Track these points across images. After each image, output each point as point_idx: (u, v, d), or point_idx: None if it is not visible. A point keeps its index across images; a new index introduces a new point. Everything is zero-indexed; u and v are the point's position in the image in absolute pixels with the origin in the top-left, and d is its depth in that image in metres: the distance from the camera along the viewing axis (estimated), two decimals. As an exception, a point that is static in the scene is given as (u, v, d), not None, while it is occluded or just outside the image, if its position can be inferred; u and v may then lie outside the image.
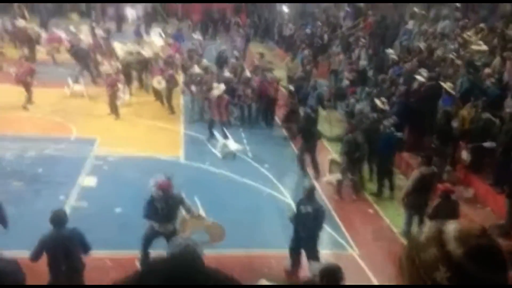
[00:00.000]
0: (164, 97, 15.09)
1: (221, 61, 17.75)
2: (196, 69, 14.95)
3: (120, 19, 27.70)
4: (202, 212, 8.03)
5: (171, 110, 14.88)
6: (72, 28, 20.02)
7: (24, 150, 11.12)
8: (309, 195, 7.41)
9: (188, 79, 15.01)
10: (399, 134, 10.58)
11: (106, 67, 15.07)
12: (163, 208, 7.08)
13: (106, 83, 14.16)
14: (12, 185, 9.44)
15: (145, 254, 7.28)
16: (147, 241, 7.27)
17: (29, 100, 14.04)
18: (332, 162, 11.04)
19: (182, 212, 7.51)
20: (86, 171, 10.52)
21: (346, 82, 15.20)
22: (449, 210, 7.39)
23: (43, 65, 18.66)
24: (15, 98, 14.37)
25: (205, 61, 16.30)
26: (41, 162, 10.61)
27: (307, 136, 11.25)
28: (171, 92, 14.98)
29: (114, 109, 13.83)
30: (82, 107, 14.56)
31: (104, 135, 12.43)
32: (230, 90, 13.59)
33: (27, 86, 14.04)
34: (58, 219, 5.98)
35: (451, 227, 1.17)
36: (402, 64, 14.24)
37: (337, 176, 10.46)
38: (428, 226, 1.20)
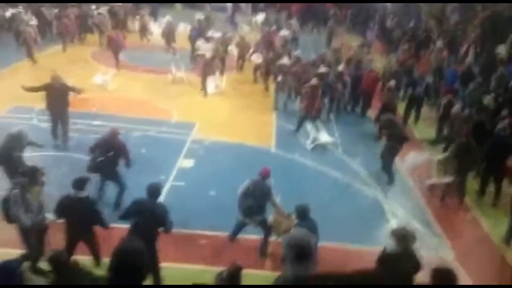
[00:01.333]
0: (261, 73, 16.43)
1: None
2: (285, 60, 15.27)
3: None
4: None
5: (266, 85, 15.91)
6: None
7: (130, 130, 11.97)
8: None
9: (277, 69, 15.27)
10: None
11: (202, 50, 16.42)
12: (256, 196, 7.35)
13: (201, 63, 15.65)
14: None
15: (233, 237, 7.79)
16: (237, 228, 7.74)
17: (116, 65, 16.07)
18: (440, 163, 10.21)
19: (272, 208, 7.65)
20: (185, 153, 11.11)
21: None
22: None
23: (148, 51, 19.98)
24: (121, 81, 15.53)
25: (298, 52, 16.49)
26: (144, 143, 11.37)
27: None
28: (268, 66, 16.02)
29: (204, 87, 15.20)
30: (183, 93, 15.34)
31: (202, 120, 13.02)
32: (324, 85, 13.54)
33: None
34: (153, 190, 6.42)
35: None
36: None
37: (445, 178, 9.97)
38: None
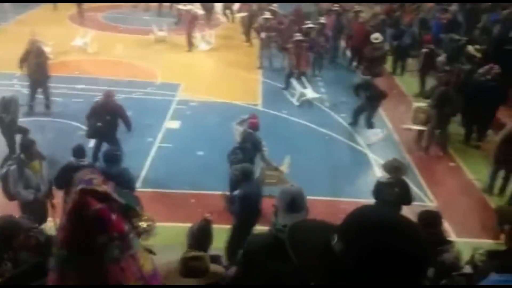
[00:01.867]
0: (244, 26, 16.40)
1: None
2: (266, 14, 15.05)
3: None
4: (284, 168, 8.03)
5: (248, 38, 15.93)
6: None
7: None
8: None
9: (258, 25, 15.11)
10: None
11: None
12: (246, 149, 7.33)
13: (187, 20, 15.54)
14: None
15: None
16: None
17: None
18: (418, 110, 10.36)
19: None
20: (171, 114, 11.06)
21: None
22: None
23: (129, 12, 19.47)
24: (102, 43, 15.20)
25: (274, 5, 16.32)
26: (129, 105, 11.17)
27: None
28: (251, 19, 16.11)
29: (189, 42, 15.17)
30: (166, 53, 15.10)
31: (187, 81, 12.89)
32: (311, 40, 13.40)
33: None
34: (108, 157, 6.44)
35: None
36: (500, 10, 13.13)
37: (420, 127, 10.12)
38: None
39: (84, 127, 9.12)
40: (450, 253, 3.87)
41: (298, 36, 12.72)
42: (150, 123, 10.44)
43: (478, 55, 10.79)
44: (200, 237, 3.63)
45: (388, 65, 14.41)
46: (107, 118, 8.26)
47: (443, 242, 4.11)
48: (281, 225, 2.77)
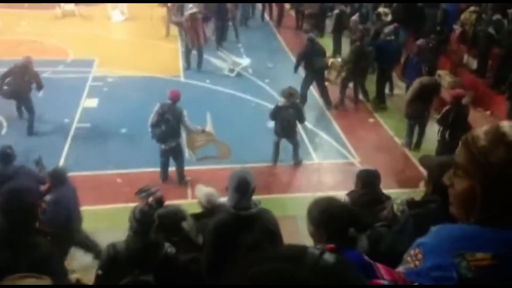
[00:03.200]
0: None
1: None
2: None
3: None
4: (209, 128, 7.98)
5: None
6: None
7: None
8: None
9: None
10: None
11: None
12: (169, 120, 7.13)
13: None
14: (14, 112, 9.44)
15: (163, 169, 7.62)
16: (162, 161, 7.57)
17: None
18: (332, 64, 10.95)
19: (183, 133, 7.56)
20: (87, 92, 10.49)
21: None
22: (460, 114, 7.38)
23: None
24: (4, 21, 13.99)
25: None
26: (40, 86, 10.53)
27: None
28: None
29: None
30: (76, 28, 14.19)
31: (102, 55, 12.23)
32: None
33: None
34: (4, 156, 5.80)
35: (508, 127, 1.19)
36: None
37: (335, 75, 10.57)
38: (484, 130, 1.21)
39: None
40: (386, 209, 4.02)
41: (190, 9, 12.13)
42: (65, 103, 9.85)
43: (386, 17, 11.18)
44: (143, 220, 3.48)
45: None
46: (25, 79, 8.84)
47: (383, 201, 4.23)
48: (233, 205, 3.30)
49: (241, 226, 3.33)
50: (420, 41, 9.60)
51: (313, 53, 10.01)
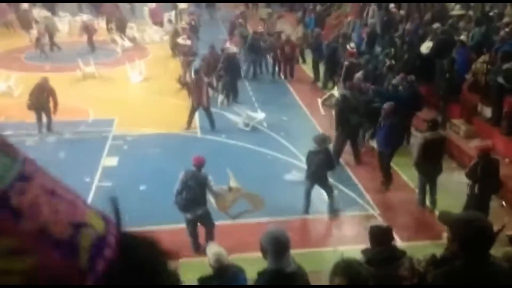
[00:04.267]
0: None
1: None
2: (181, 40, 15.73)
3: None
4: (234, 183, 7.95)
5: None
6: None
7: (44, 136, 11.35)
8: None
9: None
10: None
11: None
12: (191, 187, 6.99)
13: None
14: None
15: (193, 239, 7.32)
16: (190, 230, 7.33)
17: None
18: (331, 96, 11.43)
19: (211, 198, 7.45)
20: (107, 151, 10.73)
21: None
22: (489, 168, 7.17)
23: (55, 49, 18.84)
24: (27, 84, 14.53)
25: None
26: (62, 147, 10.86)
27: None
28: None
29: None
30: (96, 88, 14.70)
31: (121, 114, 12.59)
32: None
33: None
34: None
35: None
36: (413, 20, 13.99)
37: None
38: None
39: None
40: (404, 265, 3.95)
41: (196, 67, 12.62)
42: (85, 163, 10.07)
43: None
44: None
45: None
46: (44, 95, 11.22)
47: (398, 257, 4.18)
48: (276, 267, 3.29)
49: (286, 285, 3.39)
50: (386, 105, 8.98)
51: (347, 110, 9.92)
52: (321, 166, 8.03)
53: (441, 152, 8.31)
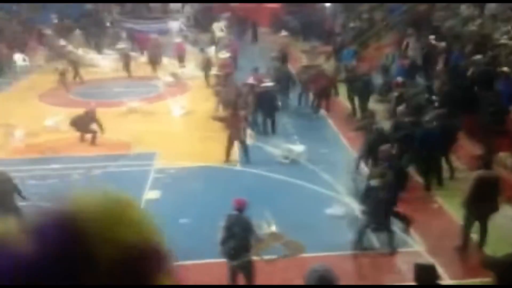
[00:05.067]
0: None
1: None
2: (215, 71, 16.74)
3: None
4: (274, 228, 7.87)
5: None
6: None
7: (88, 169, 11.71)
8: None
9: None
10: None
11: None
12: (237, 234, 6.77)
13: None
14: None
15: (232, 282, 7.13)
16: (230, 276, 7.09)
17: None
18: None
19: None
20: (149, 185, 10.93)
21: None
22: None
23: (99, 86, 19.63)
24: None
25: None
26: (106, 180, 11.13)
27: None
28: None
29: None
30: (139, 123, 15.14)
31: (162, 148, 12.87)
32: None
33: None
34: None
35: None
36: (457, 51, 13.83)
37: None
38: None
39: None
40: None
41: (232, 105, 12.63)
42: (129, 196, 10.24)
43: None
44: None
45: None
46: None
47: None
48: None
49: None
50: (383, 147, 8.97)
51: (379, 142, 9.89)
52: (383, 203, 7.74)
53: (496, 191, 7.86)
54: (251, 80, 14.85)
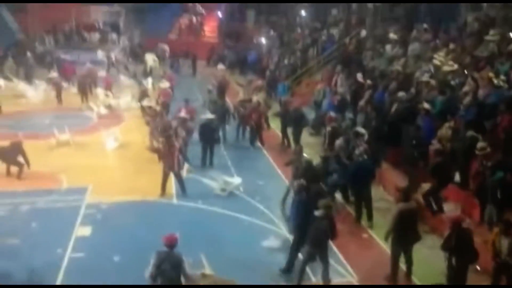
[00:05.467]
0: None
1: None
2: (146, 102, 17.02)
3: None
4: (208, 270, 7.81)
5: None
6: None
7: (15, 205, 11.10)
8: None
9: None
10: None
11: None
12: (165, 271, 6.68)
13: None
14: (7, 243, 9.39)
15: None
16: None
17: None
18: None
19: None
20: (80, 220, 10.51)
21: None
22: (464, 239, 7.28)
23: (28, 117, 18.80)
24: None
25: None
26: (34, 216, 10.60)
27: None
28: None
29: None
30: (70, 156, 14.61)
31: (94, 182, 12.46)
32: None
33: None
34: None
35: None
36: (381, 89, 14.68)
37: None
38: None
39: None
40: None
41: (165, 133, 12.61)
42: (58, 233, 9.81)
43: (363, 136, 11.76)
44: None
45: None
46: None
47: None
48: None
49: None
50: (297, 181, 9.21)
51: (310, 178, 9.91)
52: (325, 233, 7.90)
53: (416, 222, 8.35)
54: (182, 113, 14.88)
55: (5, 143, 13.09)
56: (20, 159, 12.93)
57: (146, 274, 6.77)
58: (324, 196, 8.96)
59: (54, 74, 22.11)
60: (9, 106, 20.06)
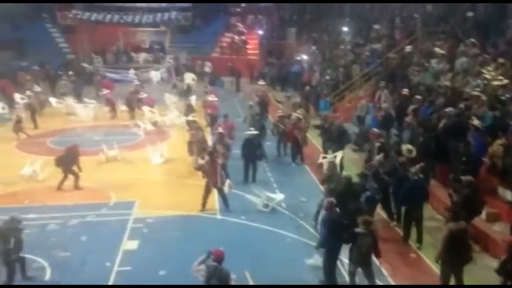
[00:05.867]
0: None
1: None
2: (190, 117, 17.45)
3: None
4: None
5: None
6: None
7: (66, 219, 11.50)
8: None
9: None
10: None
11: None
12: (215, 285, 6.79)
13: None
14: (59, 255, 9.74)
15: None
16: None
17: None
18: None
19: None
20: (128, 235, 10.77)
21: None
22: None
23: (77, 134, 19.57)
24: (52, 168, 14.97)
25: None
26: (84, 230, 10.95)
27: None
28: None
29: None
30: (118, 171, 15.06)
31: (142, 197, 12.78)
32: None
33: None
34: None
35: None
36: (428, 104, 14.36)
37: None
38: None
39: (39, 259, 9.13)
40: None
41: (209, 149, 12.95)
42: (106, 246, 10.10)
43: (411, 154, 11.43)
44: None
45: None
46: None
47: None
48: None
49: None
50: (327, 199, 8.98)
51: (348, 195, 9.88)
52: (369, 250, 7.94)
53: (467, 242, 8.06)
54: (220, 129, 15.04)
55: (62, 152, 13.75)
56: (75, 168, 13.55)
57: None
58: (363, 213, 8.79)
59: (106, 90, 23.15)
60: (60, 123, 21.03)
